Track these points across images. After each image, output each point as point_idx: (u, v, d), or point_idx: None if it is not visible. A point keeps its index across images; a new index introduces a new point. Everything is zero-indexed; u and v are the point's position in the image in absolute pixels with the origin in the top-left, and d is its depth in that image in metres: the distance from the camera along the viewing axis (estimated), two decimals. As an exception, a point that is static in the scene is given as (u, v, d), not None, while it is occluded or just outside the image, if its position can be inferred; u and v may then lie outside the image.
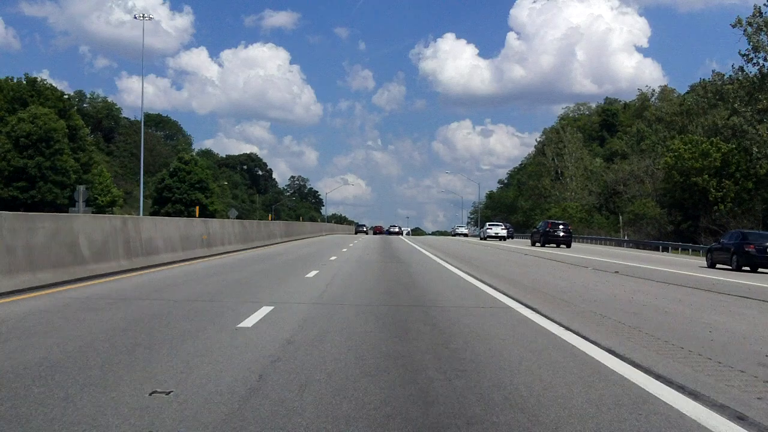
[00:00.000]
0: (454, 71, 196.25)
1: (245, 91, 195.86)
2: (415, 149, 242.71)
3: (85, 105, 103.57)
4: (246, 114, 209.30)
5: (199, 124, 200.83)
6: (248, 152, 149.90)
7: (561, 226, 39.62)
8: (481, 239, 59.38)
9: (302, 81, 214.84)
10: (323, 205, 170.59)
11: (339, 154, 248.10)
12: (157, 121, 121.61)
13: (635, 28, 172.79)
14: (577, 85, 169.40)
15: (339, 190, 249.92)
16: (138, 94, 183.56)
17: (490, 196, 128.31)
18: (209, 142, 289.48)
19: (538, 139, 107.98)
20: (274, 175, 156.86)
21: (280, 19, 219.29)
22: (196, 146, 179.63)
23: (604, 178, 79.86)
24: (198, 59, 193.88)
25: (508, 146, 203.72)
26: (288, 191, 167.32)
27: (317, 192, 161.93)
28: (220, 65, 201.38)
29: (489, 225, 61.53)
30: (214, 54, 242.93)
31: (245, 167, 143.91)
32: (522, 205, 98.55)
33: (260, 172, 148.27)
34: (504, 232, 57.82)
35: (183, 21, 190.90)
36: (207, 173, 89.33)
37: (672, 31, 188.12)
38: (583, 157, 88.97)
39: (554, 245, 38.70)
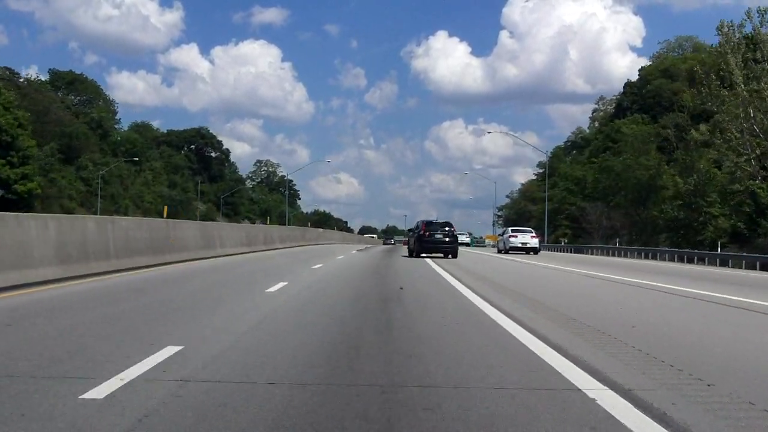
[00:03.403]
0: (446, 70, 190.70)
1: (236, 88, 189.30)
2: (408, 148, 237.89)
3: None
4: (238, 111, 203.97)
5: (191, 122, 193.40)
6: (197, 127, 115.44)
7: (447, 229, 31.10)
8: (499, 252, 42.76)
9: (294, 78, 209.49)
10: (299, 198, 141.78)
11: (331, 152, 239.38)
12: (68, 81, 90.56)
13: (629, 27, 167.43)
14: (570, 84, 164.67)
15: (331, 188, 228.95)
16: (129, 90, 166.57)
17: (606, 170, 64.79)
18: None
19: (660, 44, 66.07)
20: (231, 158, 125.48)
21: (270, 15, 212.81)
22: (130, 119, 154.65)
23: None
24: (188, 56, 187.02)
25: (500, 145, 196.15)
26: (253, 180, 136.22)
27: (292, 182, 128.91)
28: (211, 62, 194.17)
29: (512, 232, 43.94)
30: (204, 51, 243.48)
31: (192, 146, 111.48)
32: (676, 185, 51.66)
33: (213, 154, 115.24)
34: (535, 242, 42.51)
35: (173, 17, 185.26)
36: (9, 121, 51.94)
37: (667, 31, 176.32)
38: None
39: (440, 255, 29.87)
